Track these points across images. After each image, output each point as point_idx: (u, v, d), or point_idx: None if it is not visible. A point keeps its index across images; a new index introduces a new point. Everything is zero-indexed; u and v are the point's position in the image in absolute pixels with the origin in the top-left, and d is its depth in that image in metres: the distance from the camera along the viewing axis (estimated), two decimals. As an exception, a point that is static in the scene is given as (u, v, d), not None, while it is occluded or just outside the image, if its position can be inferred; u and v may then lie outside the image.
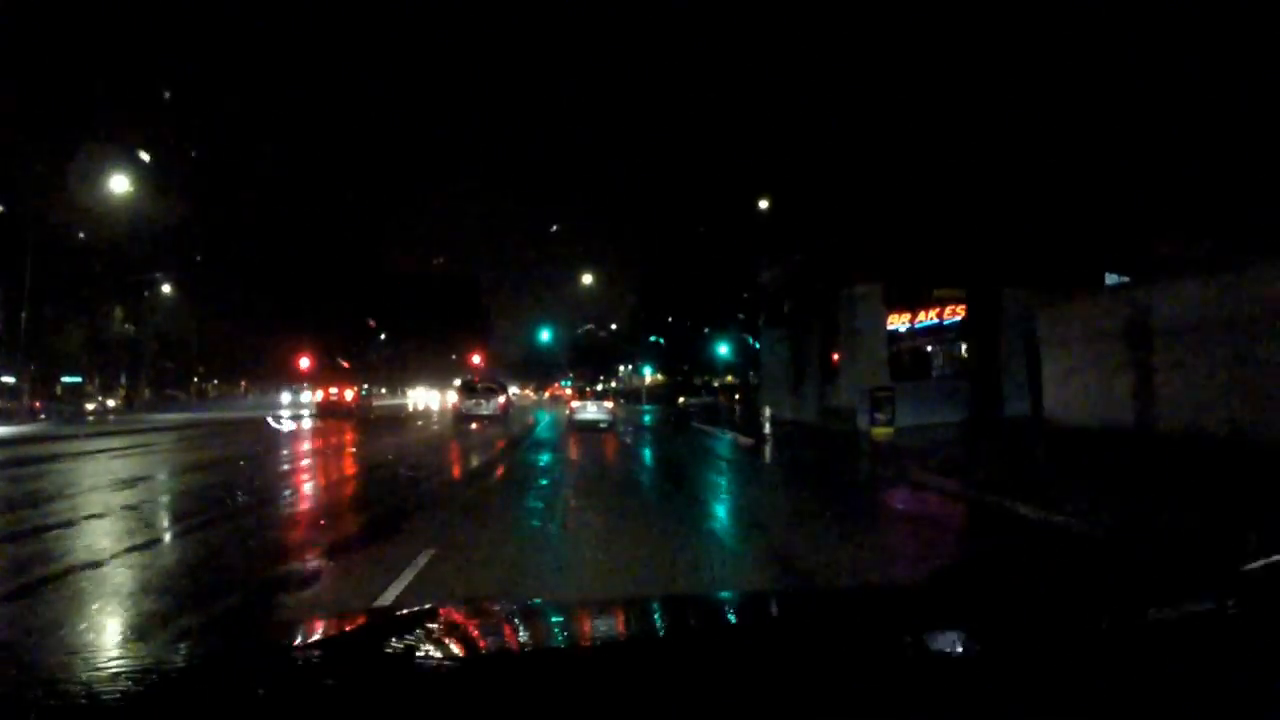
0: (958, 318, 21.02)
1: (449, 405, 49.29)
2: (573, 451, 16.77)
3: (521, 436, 21.77)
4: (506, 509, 8.85)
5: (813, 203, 21.68)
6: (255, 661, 1.31)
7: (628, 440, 20.89)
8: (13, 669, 1.20)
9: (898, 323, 21.07)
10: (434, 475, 12.36)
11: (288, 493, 10.30)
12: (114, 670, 1.12)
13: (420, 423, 31.40)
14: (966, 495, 9.58)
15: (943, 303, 20.73)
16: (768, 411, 19.76)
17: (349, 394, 34.37)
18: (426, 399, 60.62)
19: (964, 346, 22.16)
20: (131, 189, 31.44)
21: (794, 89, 20.91)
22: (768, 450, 17.14)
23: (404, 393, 70.18)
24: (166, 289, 45.91)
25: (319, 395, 34.88)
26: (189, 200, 41.29)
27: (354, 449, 18.58)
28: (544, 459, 15.35)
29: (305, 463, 14.95)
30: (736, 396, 39.62)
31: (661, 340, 50.93)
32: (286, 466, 13.91)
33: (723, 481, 12.39)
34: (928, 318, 21.15)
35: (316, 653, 1.36)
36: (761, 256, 26.50)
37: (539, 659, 1.39)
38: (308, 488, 11.00)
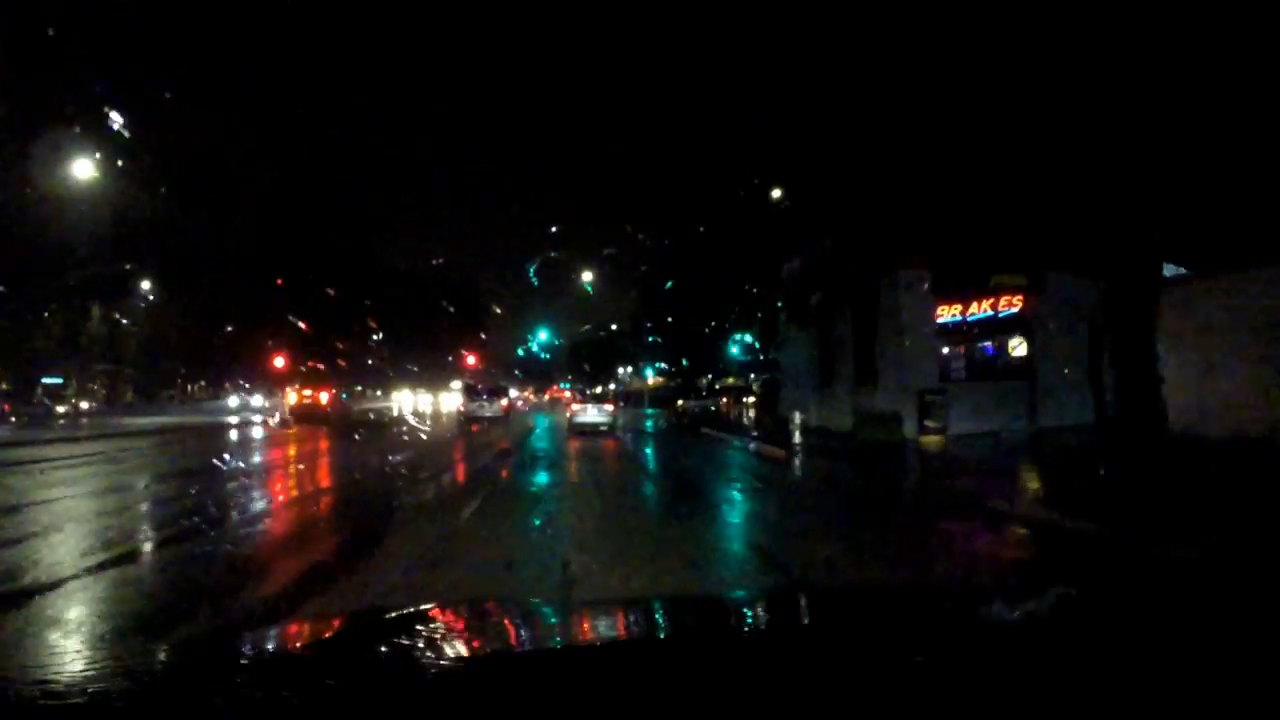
0: (1014, 309, 18.32)
1: (442, 409, 46.66)
2: (573, 470, 14.08)
3: (517, 445, 19.73)
4: (474, 570, 6.08)
5: (844, 179, 18.83)
6: (247, 663, 1.29)
7: (633, 449, 18.75)
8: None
9: (947, 315, 18.35)
10: (388, 504, 9.48)
11: (172, 539, 7.36)
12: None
13: (405, 429, 28.63)
14: (1119, 541, 6.87)
15: (999, 291, 17.98)
16: (797, 418, 17.11)
17: (324, 397, 31.42)
18: (415, 401, 57.62)
19: (1011, 342, 19.47)
20: (111, 182, 29.27)
21: (814, 44, 17.78)
22: (804, 465, 14.42)
23: (389, 396, 67.06)
24: (147, 286, 43.51)
25: (291, 398, 31.85)
26: (175, 197, 38.96)
27: (303, 465, 15.87)
28: (540, 479, 12.68)
29: (231, 486, 12.02)
30: (744, 400, 36.82)
31: (660, 340, 48.27)
32: (212, 490, 11.14)
33: (765, 517, 9.65)
34: (980, 309, 18.40)
35: (308, 654, 1.35)
36: (782, 243, 23.66)
37: (532, 661, 1.32)
38: (205, 526, 7.89)
